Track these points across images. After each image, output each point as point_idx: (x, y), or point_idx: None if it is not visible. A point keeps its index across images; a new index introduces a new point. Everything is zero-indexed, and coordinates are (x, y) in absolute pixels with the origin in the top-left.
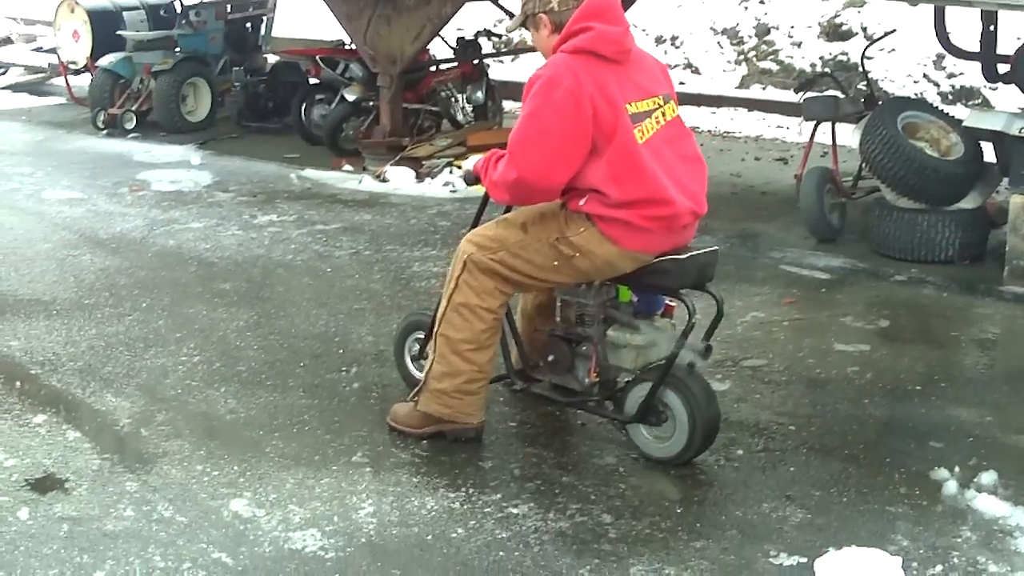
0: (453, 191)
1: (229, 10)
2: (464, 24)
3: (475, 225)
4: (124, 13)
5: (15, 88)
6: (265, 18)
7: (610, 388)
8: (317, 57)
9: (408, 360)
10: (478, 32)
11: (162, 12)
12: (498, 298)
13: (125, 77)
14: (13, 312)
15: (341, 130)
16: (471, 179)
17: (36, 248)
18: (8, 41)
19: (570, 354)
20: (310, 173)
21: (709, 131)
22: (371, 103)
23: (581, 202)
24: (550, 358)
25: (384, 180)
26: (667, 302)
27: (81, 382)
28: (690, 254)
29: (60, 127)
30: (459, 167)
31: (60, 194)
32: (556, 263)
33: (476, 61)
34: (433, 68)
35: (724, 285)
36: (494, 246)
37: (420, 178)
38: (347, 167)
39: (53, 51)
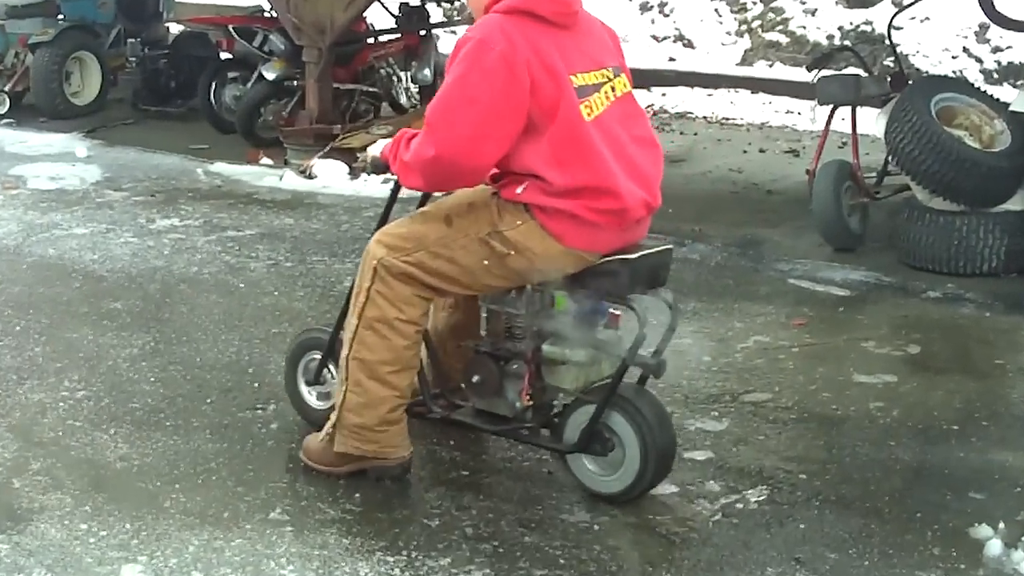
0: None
1: None
2: None
3: (384, 222)
4: None
5: None
6: None
7: (546, 412)
8: (230, 27)
9: (302, 387)
10: None
11: None
12: (418, 306)
13: None
14: None
15: (258, 115)
16: (379, 167)
17: None
18: None
19: (498, 374)
20: (220, 167)
21: (704, 117)
22: (295, 83)
23: (519, 190)
24: (475, 379)
25: (310, 176)
26: (612, 310)
27: None
28: (641, 253)
29: None
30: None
31: None
32: (486, 262)
33: (423, 32)
34: (371, 40)
35: (721, 303)
36: (409, 246)
37: (354, 174)
38: (265, 160)
39: None
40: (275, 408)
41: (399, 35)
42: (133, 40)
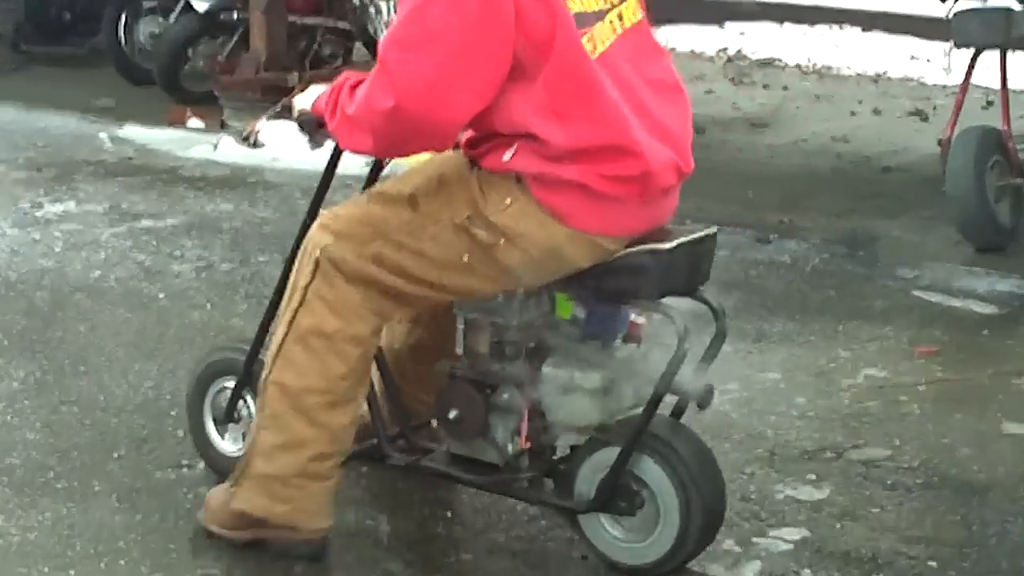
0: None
1: None
2: None
3: (319, 202)
4: None
5: None
6: None
7: (548, 458)
8: None
9: (210, 427)
10: None
11: None
12: (369, 322)
13: None
14: None
15: (185, 60)
16: (310, 124)
17: None
18: None
19: (483, 407)
20: (132, 132)
21: (798, 66)
22: (235, 15)
23: (506, 156)
24: (452, 414)
25: (256, 144)
26: (633, 319)
27: None
28: (678, 241)
29: None
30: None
31: None
32: (467, 257)
33: None
34: None
35: (820, 323)
36: (365, 234)
37: (318, 141)
38: (194, 122)
39: None
40: (205, 466)
41: None
42: None
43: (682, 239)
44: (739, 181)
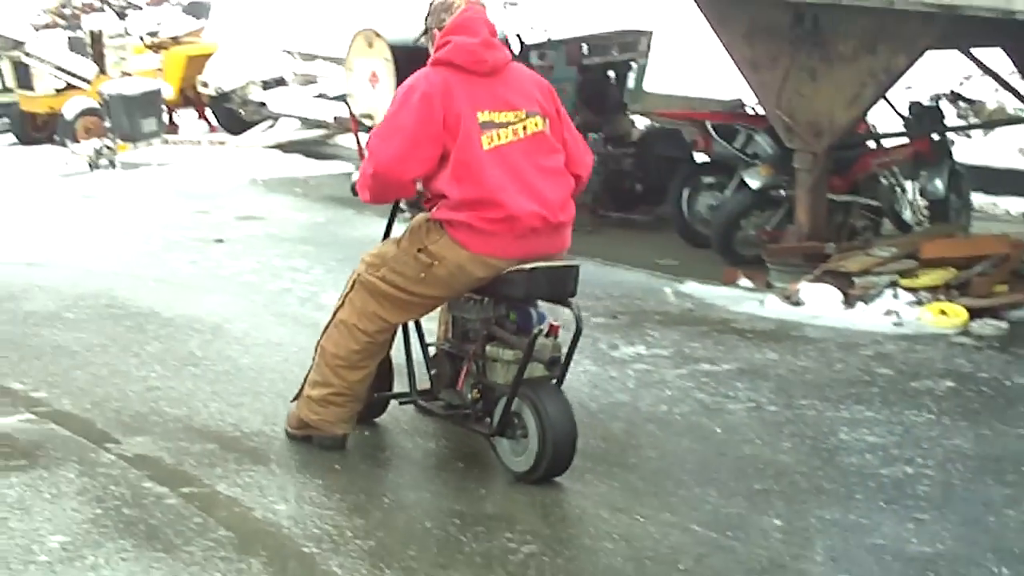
0: (898, 323)
1: (585, 52)
2: (917, 83)
3: (388, 232)
4: None
5: (287, 148)
6: (635, 65)
7: (492, 404)
8: (707, 123)
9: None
10: (939, 95)
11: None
12: (375, 323)
13: None
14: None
15: (738, 228)
16: (352, 187)
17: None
18: (280, 82)
19: (452, 369)
20: (692, 288)
21: None
22: (782, 192)
23: (435, 209)
24: (433, 371)
25: (797, 303)
26: (552, 322)
27: None
28: (538, 265)
29: (348, 205)
30: (908, 288)
31: None
32: (422, 274)
33: (936, 136)
34: (873, 144)
35: None
36: (378, 263)
37: (850, 302)
38: (744, 281)
39: (341, 99)
40: None
41: (907, 140)
42: (594, 135)
43: (544, 264)
44: None
